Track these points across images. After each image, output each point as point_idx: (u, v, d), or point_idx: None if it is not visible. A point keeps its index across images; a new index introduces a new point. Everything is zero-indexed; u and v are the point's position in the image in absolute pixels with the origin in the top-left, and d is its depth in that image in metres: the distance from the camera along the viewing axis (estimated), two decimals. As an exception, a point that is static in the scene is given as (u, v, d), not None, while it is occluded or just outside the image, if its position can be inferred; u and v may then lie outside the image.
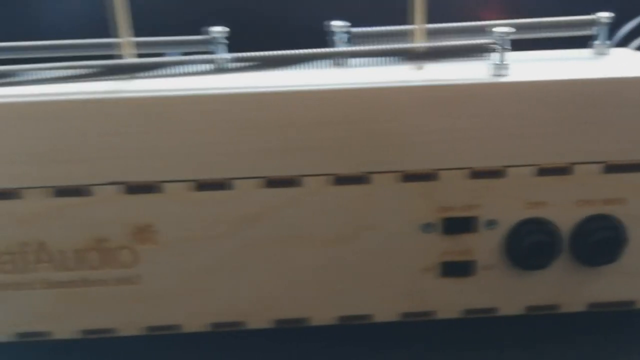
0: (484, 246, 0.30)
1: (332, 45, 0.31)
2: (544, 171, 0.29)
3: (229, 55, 0.28)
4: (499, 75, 0.28)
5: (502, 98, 0.28)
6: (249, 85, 0.28)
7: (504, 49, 0.28)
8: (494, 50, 0.28)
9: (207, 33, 0.31)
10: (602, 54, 0.33)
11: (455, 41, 0.29)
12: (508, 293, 0.30)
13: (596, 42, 0.33)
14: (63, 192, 0.27)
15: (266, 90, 0.27)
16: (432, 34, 0.31)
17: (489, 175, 0.29)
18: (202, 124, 0.27)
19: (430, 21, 0.30)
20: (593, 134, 0.28)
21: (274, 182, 0.28)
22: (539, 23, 0.32)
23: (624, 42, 0.41)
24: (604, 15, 0.32)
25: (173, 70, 0.28)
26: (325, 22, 0.31)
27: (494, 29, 0.28)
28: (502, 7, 0.44)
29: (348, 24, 0.31)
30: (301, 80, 0.28)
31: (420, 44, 0.30)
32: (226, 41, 0.31)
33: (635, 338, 0.31)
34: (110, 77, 0.28)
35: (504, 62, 0.28)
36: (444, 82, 0.28)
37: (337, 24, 0.31)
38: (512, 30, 0.28)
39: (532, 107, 0.28)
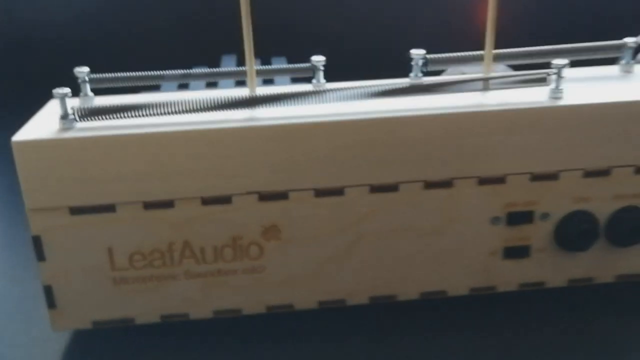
0: (538, 234, 0.37)
1: (411, 70, 0.37)
2: (588, 173, 0.36)
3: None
4: (555, 99, 0.35)
5: (557, 118, 0.34)
6: (353, 111, 0.34)
7: (560, 78, 0.35)
8: (552, 79, 0.35)
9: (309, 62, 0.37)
10: (627, 71, 0.40)
11: (520, 71, 0.35)
12: (555, 270, 0.38)
13: (622, 62, 0.40)
14: (208, 201, 0.33)
15: (368, 117, 0.33)
16: (499, 57, 0.37)
17: (545, 178, 0.35)
18: (320, 145, 0.33)
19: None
20: (627, 144, 0.35)
21: (377, 188, 0.34)
22: (578, 47, 0.39)
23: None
24: (631, 40, 0.39)
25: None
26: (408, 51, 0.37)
27: (552, 62, 0.35)
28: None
29: (424, 51, 0.37)
30: (387, 107, 0.34)
31: (490, 74, 0.36)
32: (323, 69, 0.37)
33: None
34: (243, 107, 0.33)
35: (559, 88, 0.35)
36: (512, 107, 0.34)
37: (415, 52, 0.37)
38: (567, 62, 0.35)
39: (581, 124, 0.35)
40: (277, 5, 0.69)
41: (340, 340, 0.36)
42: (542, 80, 0.35)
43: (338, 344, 0.36)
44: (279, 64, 0.56)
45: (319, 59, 0.37)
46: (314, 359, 0.35)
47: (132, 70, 0.37)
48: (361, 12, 0.69)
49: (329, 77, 0.37)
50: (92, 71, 0.36)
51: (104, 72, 0.37)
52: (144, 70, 0.38)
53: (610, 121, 0.35)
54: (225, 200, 0.34)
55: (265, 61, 0.58)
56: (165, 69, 0.38)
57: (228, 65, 0.58)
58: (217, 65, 0.60)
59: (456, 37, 0.40)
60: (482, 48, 0.37)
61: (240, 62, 0.54)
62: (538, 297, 0.39)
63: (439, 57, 0.38)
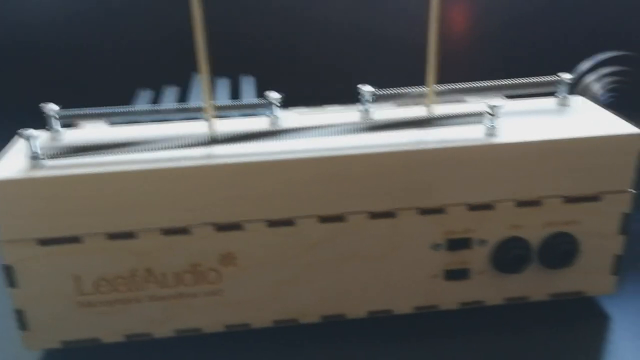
0: (476, 258, 0.40)
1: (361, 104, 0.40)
2: (521, 203, 0.39)
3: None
4: (491, 136, 0.38)
5: (492, 154, 0.37)
6: (303, 149, 0.36)
7: (495, 117, 0.38)
8: (487, 117, 0.38)
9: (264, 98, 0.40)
10: (563, 104, 0.43)
11: (458, 107, 0.38)
12: (492, 289, 0.41)
13: (559, 95, 0.43)
14: (168, 231, 0.36)
15: (317, 155, 0.36)
16: (441, 93, 0.40)
17: (481, 208, 0.39)
18: (272, 180, 0.36)
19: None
20: (556, 176, 0.38)
21: (326, 219, 0.37)
22: (517, 83, 0.42)
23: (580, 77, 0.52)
24: (566, 76, 0.42)
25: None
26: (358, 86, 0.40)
27: (489, 102, 0.38)
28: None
29: (373, 88, 0.40)
30: (334, 144, 0.37)
31: (429, 113, 0.39)
32: (279, 104, 0.39)
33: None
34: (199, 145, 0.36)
35: (495, 126, 0.38)
36: (450, 145, 0.37)
37: (364, 88, 0.40)
38: (502, 103, 0.38)
39: (513, 160, 0.38)
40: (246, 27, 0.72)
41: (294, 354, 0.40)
42: (478, 119, 0.38)
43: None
44: (247, 83, 0.58)
45: (274, 96, 0.39)
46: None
47: (103, 83, 0.40)
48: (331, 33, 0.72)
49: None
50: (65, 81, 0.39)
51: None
52: (115, 82, 0.40)
53: (540, 156, 0.38)
54: (184, 231, 0.36)
55: (234, 80, 0.60)
56: (138, 82, 0.40)
57: (200, 83, 0.61)
58: (189, 82, 0.62)
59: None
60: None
61: (211, 80, 0.57)
62: (478, 314, 0.42)
63: (385, 93, 0.41)
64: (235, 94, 0.55)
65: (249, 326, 0.40)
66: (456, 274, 0.40)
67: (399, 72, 0.41)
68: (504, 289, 0.41)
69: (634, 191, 0.39)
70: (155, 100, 0.52)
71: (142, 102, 0.52)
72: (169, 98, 0.52)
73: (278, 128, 0.37)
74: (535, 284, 0.41)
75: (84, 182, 0.34)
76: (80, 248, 0.36)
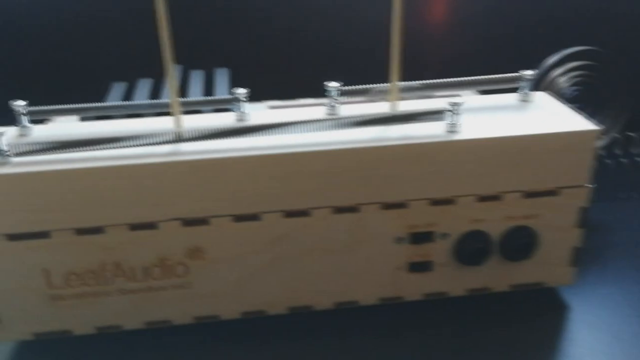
0: (439, 251, 0.41)
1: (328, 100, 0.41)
2: (482, 198, 0.40)
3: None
4: (452, 133, 0.39)
5: (453, 150, 0.38)
6: (267, 145, 0.37)
7: (456, 114, 0.39)
8: (448, 114, 0.39)
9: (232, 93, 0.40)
10: (525, 100, 0.44)
11: (420, 103, 0.39)
12: (454, 281, 0.42)
13: (521, 91, 0.44)
14: (136, 226, 0.37)
15: (281, 152, 0.37)
16: (406, 90, 0.41)
17: (443, 203, 0.40)
18: (237, 177, 0.37)
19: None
20: (516, 172, 0.39)
21: (291, 214, 0.38)
22: (480, 80, 0.43)
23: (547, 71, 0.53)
24: (528, 73, 0.43)
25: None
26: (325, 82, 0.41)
27: (449, 100, 0.38)
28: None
29: (339, 84, 0.41)
30: (298, 141, 0.38)
31: (392, 111, 0.40)
32: (246, 100, 0.40)
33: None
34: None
35: (456, 123, 0.39)
36: (411, 141, 0.38)
37: (331, 84, 0.41)
38: (463, 101, 0.39)
39: (474, 156, 0.39)
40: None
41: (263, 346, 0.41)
42: (439, 116, 0.39)
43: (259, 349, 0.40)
44: (221, 75, 0.59)
45: (240, 91, 0.40)
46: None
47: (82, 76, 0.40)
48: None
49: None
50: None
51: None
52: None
53: (500, 153, 0.39)
54: (151, 226, 0.37)
55: (209, 73, 0.61)
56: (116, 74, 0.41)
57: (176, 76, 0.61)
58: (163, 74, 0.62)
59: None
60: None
61: (185, 72, 0.57)
62: (441, 304, 0.43)
63: (351, 89, 0.42)
64: (209, 86, 0.55)
65: (217, 318, 0.41)
66: (419, 266, 0.41)
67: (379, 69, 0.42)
68: (466, 281, 0.42)
69: (591, 186, 0.41)
70: (129, 93, 0.53)
71: (116, 94, 0.52)
72: (143, 91, 0.53)
73: (243, 125, 0.37)
74: (496, 276, 0.43)
75: (50, 179, 0.35)
76: (49, 243, 0.36)
